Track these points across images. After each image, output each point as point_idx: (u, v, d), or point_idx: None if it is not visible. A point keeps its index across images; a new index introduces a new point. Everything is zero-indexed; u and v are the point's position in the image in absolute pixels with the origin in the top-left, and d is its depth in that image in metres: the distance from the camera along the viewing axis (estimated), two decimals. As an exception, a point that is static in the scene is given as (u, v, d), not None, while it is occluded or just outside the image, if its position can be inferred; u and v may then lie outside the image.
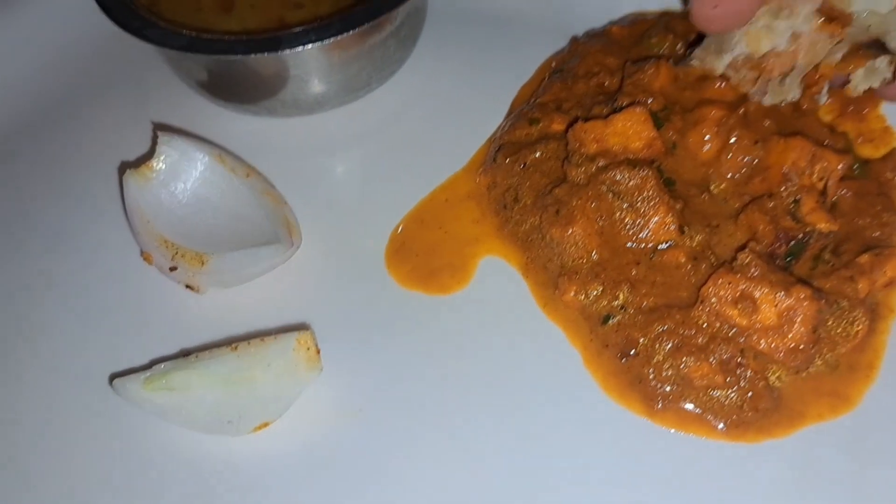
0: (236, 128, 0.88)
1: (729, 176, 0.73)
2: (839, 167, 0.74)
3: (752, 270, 0.67)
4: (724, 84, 0.77)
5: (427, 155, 0.85)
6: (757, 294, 0.66)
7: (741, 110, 0.74)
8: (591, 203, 0.73)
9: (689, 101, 0.77)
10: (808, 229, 0.71)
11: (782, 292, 0.65)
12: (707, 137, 0.73)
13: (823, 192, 0.73)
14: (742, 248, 0.69)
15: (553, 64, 0.92)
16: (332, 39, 0.76)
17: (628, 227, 0.72)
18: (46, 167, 0.85)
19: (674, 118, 0.76)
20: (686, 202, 0.73)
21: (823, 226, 0.72)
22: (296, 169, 0.85)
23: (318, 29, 0.76)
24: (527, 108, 0.85)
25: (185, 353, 0.68)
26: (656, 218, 0.71)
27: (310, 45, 0.76)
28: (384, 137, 0.88)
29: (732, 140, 0.73)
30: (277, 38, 0.76)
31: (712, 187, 0.73)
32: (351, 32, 0.76)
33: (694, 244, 0.71)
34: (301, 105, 0.86)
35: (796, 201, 0.72)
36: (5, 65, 0.92)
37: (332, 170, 0.87)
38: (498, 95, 0.90)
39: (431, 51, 0.94)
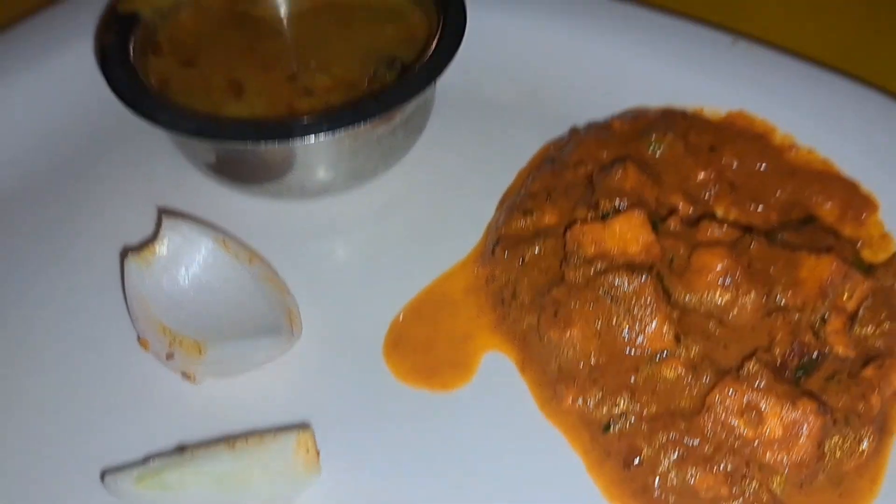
0: (239, 208, 0.87)
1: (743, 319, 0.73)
2: (865, 289, 0.74)
3: (759, 381, 0.66)
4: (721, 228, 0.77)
5: (428, 242, 0.85)
6: (763, 405, 0.65)
7: (746, 259, 0.74)
8: (589, 306, 0.72)
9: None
10: (825, 349, 0.71)
11: (789, 405, 0.65)
12: (716, 293, 0.73)
13: (853, 316, 0.73)
14: (749, 356, 0.69)
15: (549, 150, 0.93)
16: (343, 131, 0.76)
17: (625, 333, 0.71)
18: (45, 245, 0.84)
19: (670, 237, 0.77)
20: (684, 311, 0.73)
21: (842, 350, 0.71)
22: (298, 253, 0.84)
23: (330, 119, 0.77)
24: (519, 199, 0.86)
25: (180, 448, 0.67)
26: (653, 326, 0.71)
27: (321, 136, 0.76)
28: (387, 223, 0.88)
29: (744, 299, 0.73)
30: (289, 128, 0.76)
31: (725, 318, 0.73)
32: (362, 124, 0.77)
33: (691, 354, 0.70)
34: (306, 191, 0.86)
35: (823, 319, 0.72)
36: (7, 136, 0.92)
37: (334, 255, 0.87)
38: (499, 182, 0.91)
39: (436, 137, 0.94)
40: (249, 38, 0.92)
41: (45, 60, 0.98)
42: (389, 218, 0.89)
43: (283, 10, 0.95)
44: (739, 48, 0.96)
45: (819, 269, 0.73)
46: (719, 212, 0.85)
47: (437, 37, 0.85)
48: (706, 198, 0.86)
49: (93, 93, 0.92)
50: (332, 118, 0.77)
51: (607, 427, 0.69)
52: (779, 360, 0.70)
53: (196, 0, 0.94)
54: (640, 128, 0.91)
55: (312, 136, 0.76)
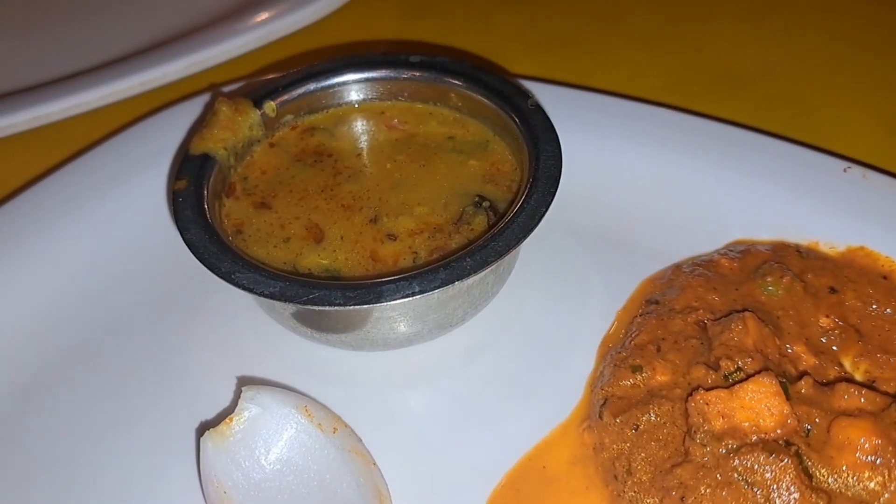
0: (321, 361, 0.81)
1: None
2: None
3: None
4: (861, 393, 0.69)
5: (522, 397, 0.78)
6: None
7: (894, 433, 0.65)
8: (723, 492, 0.64)
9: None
10: None
11: None
12: (864, 474, 0.64)
13: None
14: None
15: (649, 289, 0.86)
16: (436, 292, 0.70)
17: (765, 523, 0.63)
18: (114, 413, 0.78)
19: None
20: (829, 496, 0.64)
21: None
22: (381, 409, 0.78)
23: (422, 279, 0.70)
24: (625, 353, 0.78)
25: None
26: None
27: (414, 297, 0.70)
28: (474, 374, 0.81)
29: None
30: (378, 290, 0.70)
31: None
32: (456, 284, 0.70)
33: (844, 552, 0.61)
34: (390, 343, 0.80)
35: None
36: (71, 285, 0.87)
37: (419, 412, 0.80)
38: (596, 326, 0.83)
39: (525, 276, 0.87)
40: (326, 176, 0.87)
41: (111, 194, 0.94)
42: (477, 368, 0.81)
43: (360, 144, 0.91)
44: (853, 175, 0.88)
45: None
46: (847, 363, 0.77)
47: (530, 175, 0.79)
48: (831, 347, 0.78)
49: (162, 233, 0.88)
50: (424, 279, 0.70)
51: None
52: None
53: (269, 135, 0.90)
54: (750, 266, 0.84)
55: (403, 297, 0.70)
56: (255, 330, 0.83)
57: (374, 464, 0.72)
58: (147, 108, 1.06)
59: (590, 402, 0.77)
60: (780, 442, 0.66)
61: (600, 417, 0.74)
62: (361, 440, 0.73)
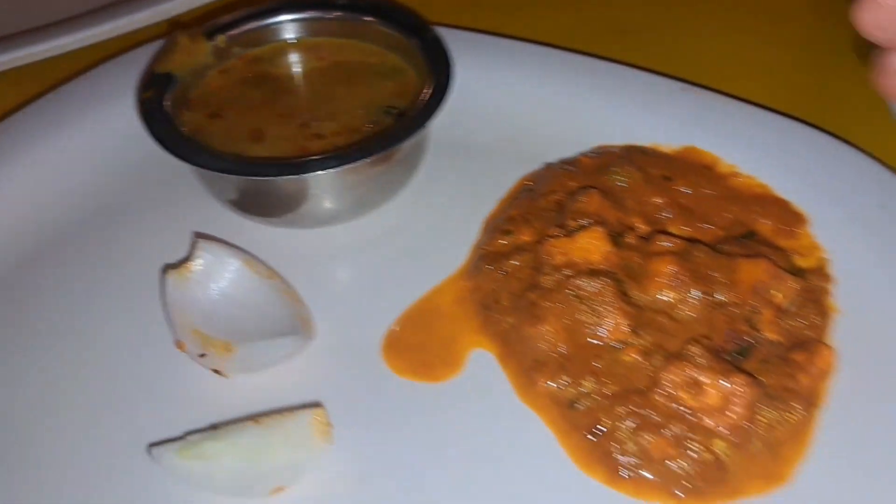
0: (260, 236, 1.01)
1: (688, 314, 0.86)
2: (794, 287, 0.87)
3: (700, 360, 0.79)
4: (671, 240, 0.90)
5: (421, 262, 0.98)
6: (703, 380, 0.78)
7: (692, 264, 0.87)
8: (559, 304, 0.86)
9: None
10: (758, 336, 0.84)
11: (724, 378, 0.77)
12: (667, 293, 0.86)
13: (784, 310, 0.86)
14: (692, 343, 0.82)
15: (526, 183, 1.07)
16: (350, 165, 0.91)
17: (589, 326, 0.84)
18: (95, 267, 0.98)
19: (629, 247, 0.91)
20: (639, 308, 0.86)
21: (773, 336, 0.84)
22: (311, 273, 0.97)
23: (338, 157, 0.92)
24: (501, 222, 1.00)
25: (214, 427, 0.79)
26: (612, 321, 0.84)
27: (332, 170, 0.91)
28: (386, 246, 1.01)
29: (689, 296, 0.85)
30: (304, 163, 0.91)
31: (674, 313, 0.86)
32: (367, 160, 0.92)
33: (646, 343, 0.83)
34: (318, 219, 1.00)
35: (757, 311, 0.85)
36: (61, 179, 1.07)
37: (340, 273, 1.00)
38: (482, 210, 1.04)
39: (429, 174, 1.08)
40: (267, 94, 1.07)
41: (91, 114, 1.13)
42: (388, 242, 1.02)
43: (296, 69, 1.11)
44: (688, 94, 1.11)
45: (753, 270, 0.87)
46: (674, 231, 0.99)
47: (428, 90, 1.01)
48: (662, 220, 1.00)
49: (134, 143, 1.07)
50: (339, 156, 0.92)
51: (574, 404, 0.81)
52: (718, 346, 0.83)
53: (221, 61, 1.10)
54: (604, 162, 1.06)
55: (323, 169, 0.91)
56: (208, 215, 1.03)
57: (303, 302, 0.92)
58: (116, 50, 1.25)
59: (471, 259, 0.98)
60: (605, 271, 0.88)
61: (478, 269, 0.95)
62: (292, 286, 0.93)
